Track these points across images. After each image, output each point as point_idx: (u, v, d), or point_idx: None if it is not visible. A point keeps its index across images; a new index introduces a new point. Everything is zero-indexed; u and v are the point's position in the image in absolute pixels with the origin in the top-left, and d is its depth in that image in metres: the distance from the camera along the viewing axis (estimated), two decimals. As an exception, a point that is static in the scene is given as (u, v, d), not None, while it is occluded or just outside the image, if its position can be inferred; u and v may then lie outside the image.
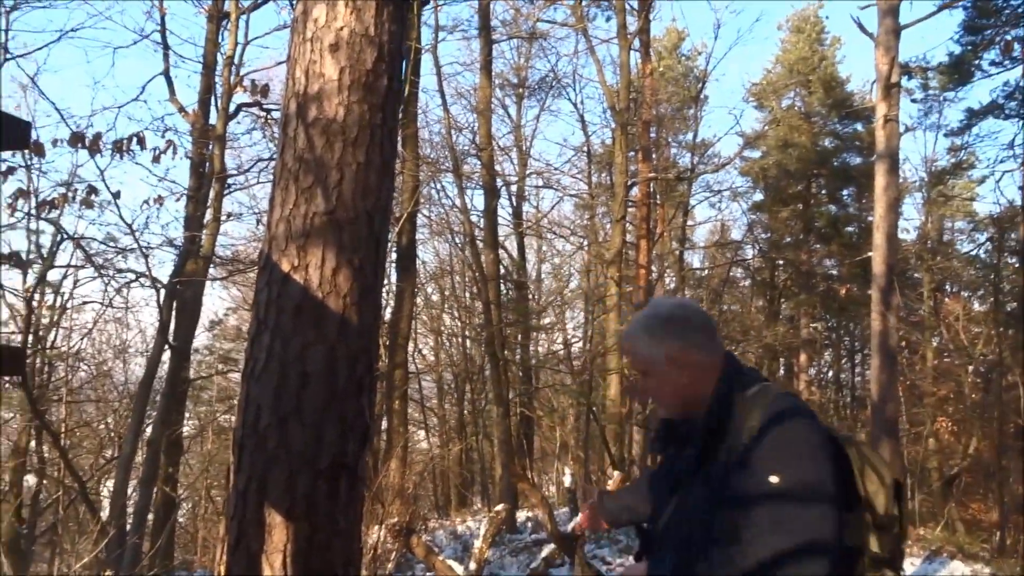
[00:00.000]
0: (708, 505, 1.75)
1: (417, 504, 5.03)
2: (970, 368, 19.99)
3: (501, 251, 20.56)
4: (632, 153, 18.06)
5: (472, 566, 4.92)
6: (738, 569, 1.64)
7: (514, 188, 19.43)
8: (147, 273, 10.89)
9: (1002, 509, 15.64)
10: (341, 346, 2.82)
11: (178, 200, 11.69)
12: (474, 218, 13.12)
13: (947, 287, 26.41)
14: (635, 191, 18.67)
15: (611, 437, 14.68)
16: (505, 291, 18.89)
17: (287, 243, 2.86)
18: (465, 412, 21.29)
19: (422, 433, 26.96)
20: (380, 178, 2.94)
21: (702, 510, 1.77)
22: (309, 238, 2.84)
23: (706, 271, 28.84)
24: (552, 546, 6.48)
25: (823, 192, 28.26)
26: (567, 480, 6.45)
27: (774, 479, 1.64)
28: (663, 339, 1.91)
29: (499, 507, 5.19)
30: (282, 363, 2.76)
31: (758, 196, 28.28)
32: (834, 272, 27.75)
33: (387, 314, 13.15)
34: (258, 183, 13.18)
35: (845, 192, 28.22)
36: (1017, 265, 20.50)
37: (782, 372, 29.35)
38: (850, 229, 27.44)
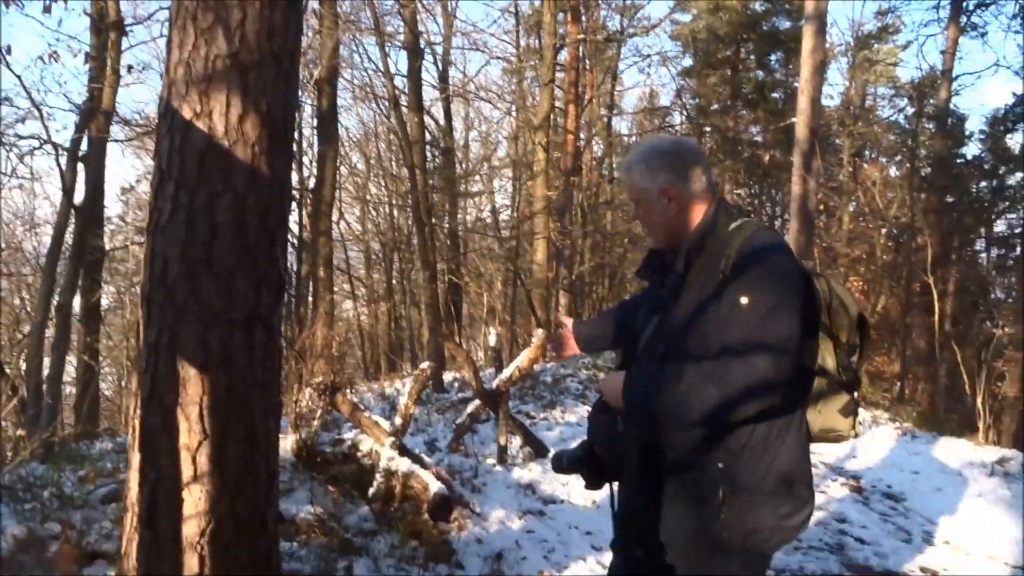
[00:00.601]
0: (689, 318, 1.95)
1: (342, 364, 5.08)
2: (883, 231, 20.80)
3: (427, 117, 20.11)
4: (561, 15, 17.51)
5: (398, 421, 5.01)
6: (713, 374, 1.85)
7: (439, 50, 18.75)
8: (48, 138, 10.28)
9: (903, 362, 16.66)
10: (251, 196, 2.73)
11: (75, 56, 10.91)
12: (398, 81, 12.74)
13: (866, 152, 27.04)
14: (564, 54, 18.24)
15: (538, 301, 14.92)
16: (431, 157, 18.55)
17: (188, 88, 2.69)
18: (393, 280, 21.26)
19: (351, 303, 26.96)
20: (286, 17, 2.77)
21: (683, 322, 1.97)
22: (211, 82, 2.68)
23: (634, 138, 28.79)
24: (477, 402, 6.63)
25: (751, 57, 28.10)
26: (491, 339, 6.60)
27: (744, 299, 1.85)
28: (657, 172, 2.09)
29: (424, 365, 5.23)
30: (189, 214, 2.66)
31: (687, 61, 28.01)
32: (759, 139, 28.04)
33: (310, 182, 12.83)
34: (162, 36, 12.36)
35: (773, 57, 28.08)
36: (934, 130, 21.01)
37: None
38: (776, 95, 27.52)
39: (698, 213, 2.09)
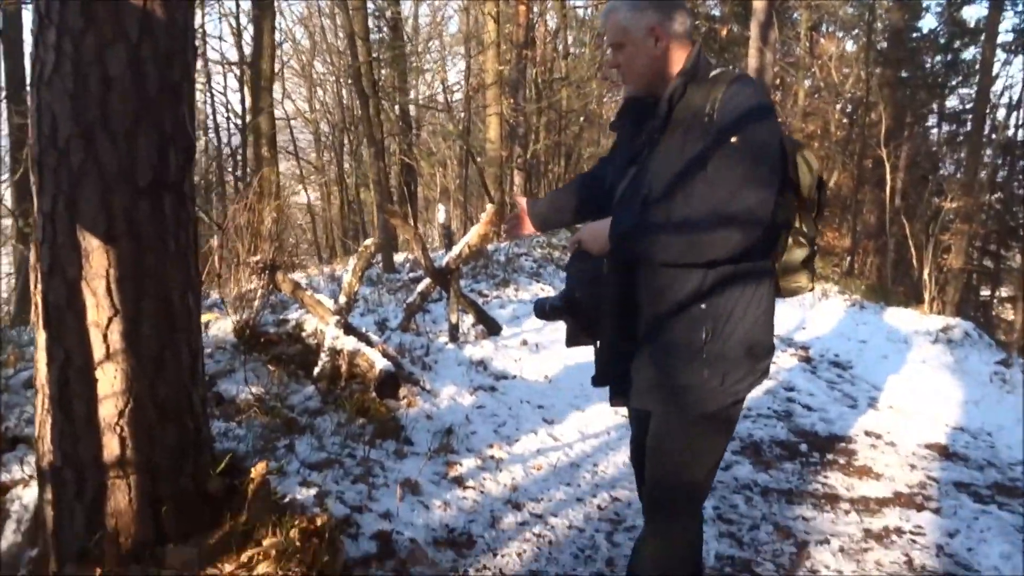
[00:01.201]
0: (673, 160, 1.98)
1: (282, 243, 4.83)
2: (838, 107, 20.63)
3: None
4: None
5: (342, 300, 4.83)
6: (695, 206, 1.90)
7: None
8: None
9: (854, 236, 16.85)
10: (147, 45, 2.42)
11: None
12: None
13: (823, 27, 26.59)
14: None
15: (491, 180, 14.62)
16: (377, 30, 17.70)
17: (66, -84, 2.33)
18: (344, 163, 20.66)
19: (302, 187, 26.24)
20: None
21: (668, 165, 1.99)
22: (92, -91, 2.31)
23: (588, 10, 27.81)
24: (427, 281, 6.47)
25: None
26: (440, 216, 6.37)
27: (734, 139, 1.89)
28: (644, 10, 2.07)
29: (368, 242, 5.02)
30: (76, 65, 2.35)
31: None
32: (716, 12, 27.33)
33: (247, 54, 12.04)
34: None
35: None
36: (892, 3, 20.60)
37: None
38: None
39: (680, 56, 2.10)
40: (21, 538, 2.64)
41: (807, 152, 2.15)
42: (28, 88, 2.49)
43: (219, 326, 4.96)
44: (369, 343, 4.95)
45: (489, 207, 6.19)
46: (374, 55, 11.70)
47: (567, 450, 4.39)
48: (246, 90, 17.23)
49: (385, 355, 4.70)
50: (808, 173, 2.13)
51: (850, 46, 25.04)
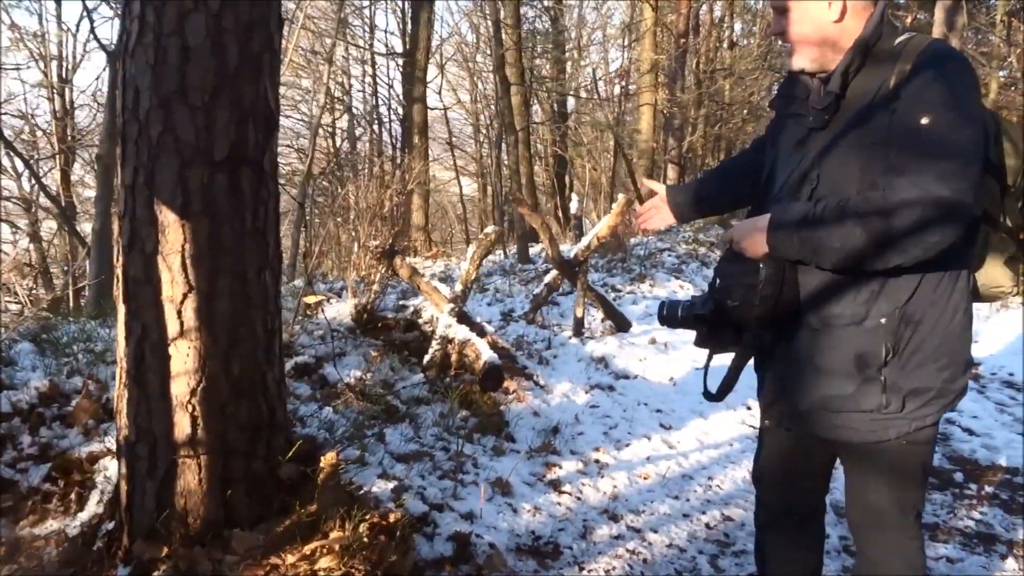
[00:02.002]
0: (849, 144, 1.71)
1: (404, 227, 4.78)
2: (1034, 102, 18.63)
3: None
4: None
5: (458, 288, 4.72)
6: (877, 201, 1.60)
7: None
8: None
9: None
10: (228, 16, 2.35)
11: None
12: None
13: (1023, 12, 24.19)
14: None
15: (642, 174, 14.24)
16: (533, 19, 17.63)
17: None
18: (495, 151, 20.75)
19: (465, 178, 26.67)
20: None
21: (841, 150, 1.72)
22: None
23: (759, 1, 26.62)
24: (554, 273, 6.28)
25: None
26: (573, 207, 6.18)
27: (925, 120, 1.59)
28: None
29: (488, 230, 4.88)
30: (157, 35, 2.31)
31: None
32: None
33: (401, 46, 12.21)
34: None
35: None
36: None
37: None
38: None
39: (859, 21, 1.77)
40: (102, 509, 2.67)
41: (1013, 129, 1.82)
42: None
43: (338, 309, 4.98)
44: (482, 333, 4.82)
45: (621, 197, 5.92)
46: (526, 44, 11.63)
47: (681, 459, 4.07)
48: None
49: (495, 347, 4.55)
50: (1014, 155, 1.81)
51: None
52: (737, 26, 27.20)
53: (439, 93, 20.42)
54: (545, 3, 18.59)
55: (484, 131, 26.13)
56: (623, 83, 16.57)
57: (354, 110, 25.18)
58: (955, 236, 1.58)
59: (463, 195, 23.94)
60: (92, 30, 10.08)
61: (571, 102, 21.09)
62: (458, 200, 26.06)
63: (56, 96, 13.46)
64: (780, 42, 1.93)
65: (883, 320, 1.72)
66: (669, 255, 9.64)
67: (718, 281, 1.94)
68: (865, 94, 1.72)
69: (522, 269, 8.50)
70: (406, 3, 18.75)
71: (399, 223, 5.09)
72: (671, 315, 2.04)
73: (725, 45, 22.88)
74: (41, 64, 13.36)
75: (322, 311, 4.77)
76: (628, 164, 13.00)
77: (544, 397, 4.66)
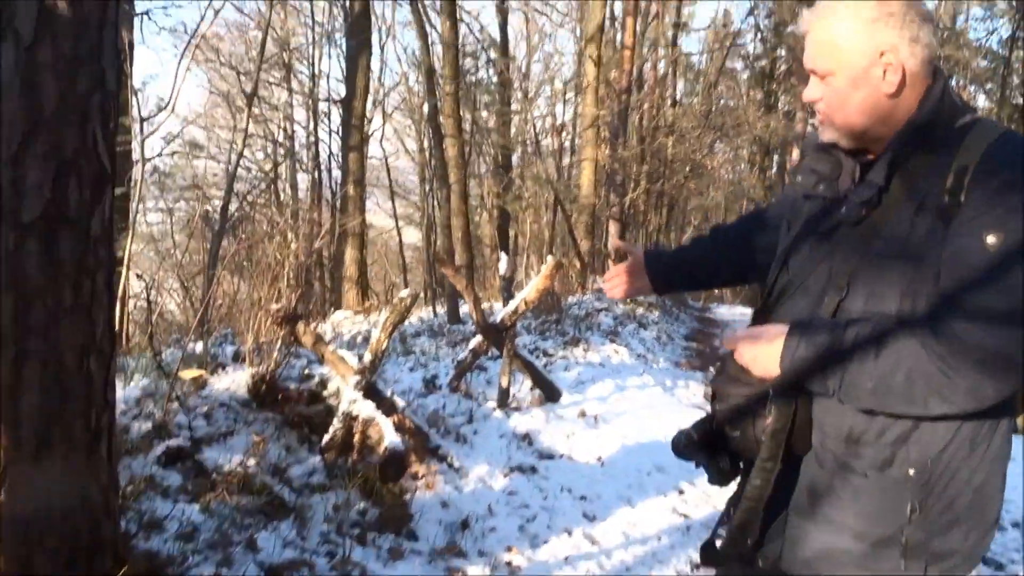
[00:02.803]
0: (891, 254, 1.38)
1: (309, 288, 4.34)
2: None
3: (483, 30, 19.04)
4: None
5: (367, 357, 4.27)
6: (935, 336, 1.29)
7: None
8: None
9: None
10: (44, 48, 1.93)
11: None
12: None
13: (954, 79, 25.08)
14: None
15: (582, 229, 14.02)
16: (478, 71, 17.49)
17: None
18: (427, 203, 20.40)
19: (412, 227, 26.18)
20: None
21: (880, 259, 1.40)
22: None
23: (701, 56, 27.17)
24: (479, 337, 5.88)
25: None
26: (502, 267, 5.87)
27: (991, 239, 1.28)
28: (875, 23, 1.39)
29: (403, 293, 4.47)
30: (-50, 68, 1.87)
31: (764, -24, 26.10)
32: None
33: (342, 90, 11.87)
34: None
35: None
36: (1030, 56, 19.09)
37: (774, 169, 28.60)
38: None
39: (915, 95, 1.43)
40: None
41: None
42: None
43: (233, 379, 4.48)
44: (392, 409, 4.36)
45: (550, 259, 5.57)
46: (468, 96, 11.38)
47: (603, 559, 3.64)
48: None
49: (402, 427, 4.10)
50: None
51: (982, 101, 23.41)
52: (680, 84, 27.68)
53: (380, 142, 20.06)
54: (491, 56, 18.49)
55: (428, 182, 25.86)
56: (561, 137, 16.40)
57: (296, 156, 24.75)
58: (1014, 389, 1.31)
59: (405, 246, 23.45)
60: None
61: (517, 155, 20.95)
62: (408, 250, 25.60)
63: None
64: (811, 112, 1.59)
65: (911, 471, 1.41)
66: (606, 316, 9.32)
67: (716, 403, 1.63)
68: (915, 190, 1.40)
69: (451, 330, 8.08)
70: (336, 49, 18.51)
71: (311, 282, 4.62)
72: (680, 442, 1.72)
73: (668, 103, 23.11)
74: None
75: (206, 383, 4.26)
76: (567, 220, 12.75)
77: (457, 482, 4.21)
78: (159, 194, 19.17)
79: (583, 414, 5.73)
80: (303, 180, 24.72)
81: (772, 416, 1.49)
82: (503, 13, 21.43)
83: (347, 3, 11.66)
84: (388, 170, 20.44)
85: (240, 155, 12.37)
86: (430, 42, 8.85)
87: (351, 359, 4.44)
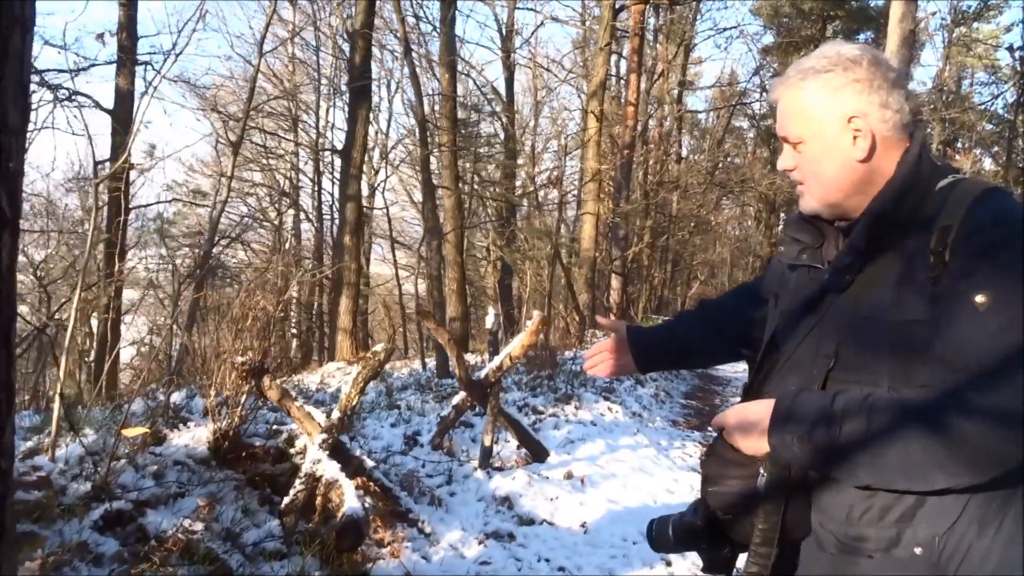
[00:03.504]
0: (877, 320, 1.34)
1: (271, 340, 4.16)
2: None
3: (486, 84, 19.17)
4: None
5: (335, 415, 4.05)
6: (929, 405, 1.23)
7: (502, 12, 17.64)
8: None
9: None
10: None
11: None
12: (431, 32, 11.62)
13: (959, 143, 25.14)
14: (627, 17, 16.93)
15: (583, 283, 13.84)
16: (478, 121, 17.52)
17: None
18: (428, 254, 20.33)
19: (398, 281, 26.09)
20: None
21: (866, 327, 1.35)
22: None
23: (707, 114, 27.31)
24: (463, 394, 5.64)
25: (839, 35, 26.40)
26: (489, 321, 5.68)
27: (980, 298, 1.24)
28: (841, 90, 1.41)
29: (377, 348, 4.26)
30: None
31: (768, 38, 26.47)
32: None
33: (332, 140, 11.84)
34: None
35: (862, 36, 26.48)
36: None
37: (780, 226, 28.60)
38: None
39: (891, 159, 1.42)
40: None
41: None
42: None
43: (194, 434, 4.25)
44: (361, 470, 4.12)
45: (536, 315, 5.35)
46: (469, 147, 11.33)
47: (578, 641, 3.36)
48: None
49: (366, 490, 3.85)
50: None
51: (988, 164, 23.38)
52: (686, 140, 27.83)
53: (383, 193, 20.07)
54: (495, 108, 18.56)
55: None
56: (559, 190, 16.34)
57: (301, 205, 24.82)
58: (1020, 458, 1.20)
59: (411, 297, 23.28)
60: None
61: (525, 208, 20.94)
62: (411, 300, 25.44)
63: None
64: (791, 179, 1.53)
65: (918, 551, 1.33)
66: (602, 372, 9.04)
67: (707, 486, 1.51)
68: (898, 254, 1.37)
69: (439, 384, 7.82)
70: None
71: (270, 337, 4.42)
72: (662, 533, 1.61)
73: (673, 159, 23.12)
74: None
75: (164, 439, 4.03)
76: (566, 273, 12.57)
77: (427, 550, 3.94)
78: (159, 241, 19.09)
79: (569, 475, 5.45)
80: (307, 230, 24.77)
81: (764, 495, 1.40)
82: (509, 68, 21.65)
83: (349, 56, 11.65)
84: (389, 220, 20.36)
85: (224, 203, 12.28)
86: (430, 92, 8.76)
87: (319, 416, 4.21)
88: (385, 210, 20.25)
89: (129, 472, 3.55)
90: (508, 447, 5.94)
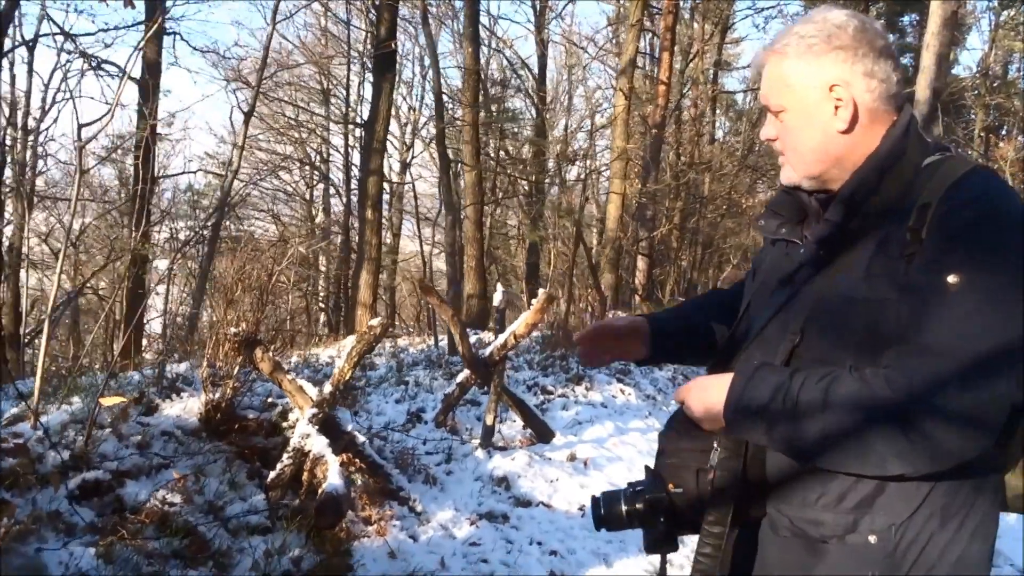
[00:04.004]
0: (848, 297, 1.29)
1: (263, 311, 4.07)
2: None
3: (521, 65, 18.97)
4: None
5: (327, 388, 3.98)
6: (889, 388, 1.18)
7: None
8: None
9: None
10: None
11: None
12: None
13: (1003, 130, 24.44)
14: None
15: (607, 264, 13.67)
16: (505, 96, 17.33)
17: None
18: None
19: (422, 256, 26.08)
20: None
21: (837, 302, 1.31)
22: None
23: (743, 95, 26.80)
24: (467, 372, 5.56)
25: (881, 18, 25.77)
26: (497, 299, 5.56)
27: (952, 278, 1.19)
28: (822, 56, 1.36)
29: (373, 322, 4.18)
30: None
31: (807, 19, 25.87)
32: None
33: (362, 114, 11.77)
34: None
35: (906, 19, 25.86)
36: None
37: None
38: (905, 61, 25.07)
39: (875, 132, 1.36)
40: None
41: None
42: None
43: (186, 405, 4.21)
44: (352, 445, 4.05)
45: (541, 293, 5.24)
46: (495, 123, 11.16)
47: (561, 628, 3.26)
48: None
49: (353, 467, 3.77)
50: None
51: (1034, 150, 22.67)
52: (721, 122, 27.36)
53: (407, 165, 20.01)
54: (525, 84, 18.35)
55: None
56: (576, 165, 16.13)
57: (332, 179, 24.85)
58: (984, 446, 1.19)
59: (438, 273, 23.26)
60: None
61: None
62: (441, 276, 25.41)
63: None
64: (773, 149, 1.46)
65: (872, 539, 1.28)
66: (619, 353, 8.90)
67: (663, 458, 1.47)
68: (876, 229, 1.32)
69: (450, 361, 7.73)
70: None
71: (263, 308, 4.35)
72: (611, 511, 1.47)
73: (707, 140, 22.73)
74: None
75: (156, 409, 3.99)
76: (588, 253, 12.41)
77: (415, 529, 3.86)
78: (190, 212, 19.27)
79: (572, 457, 5.34)
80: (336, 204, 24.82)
81: (717, 468, 1.36)
82: (542, 44, 21.41)
83: (375, 28, 11.53)
84: (415, 196, 20.28)
85: (235, 172, 12.27)
86: (458, 65, 8.61)
87: (311, 390, 4.14)
88: (411, 185, 20.16)
89: (111, 441, 3.51)
90: (514, 427, 5.85)
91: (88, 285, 14.72)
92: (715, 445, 1.38)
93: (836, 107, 1.35)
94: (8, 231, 12.55)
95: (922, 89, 11.90)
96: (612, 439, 6.04)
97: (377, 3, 11.85)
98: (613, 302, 13.91)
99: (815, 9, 1.41)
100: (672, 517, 1.44)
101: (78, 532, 2.96)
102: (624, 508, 1.47)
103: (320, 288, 25.33)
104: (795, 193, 1.47)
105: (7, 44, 12.24)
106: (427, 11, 9.62)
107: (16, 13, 10.49)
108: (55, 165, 13.49)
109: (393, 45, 11.35)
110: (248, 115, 12.23)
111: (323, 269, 25.27)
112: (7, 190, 12.20)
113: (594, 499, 1.52)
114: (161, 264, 17.49)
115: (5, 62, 11.77)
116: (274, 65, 15.86)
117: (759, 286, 1.54)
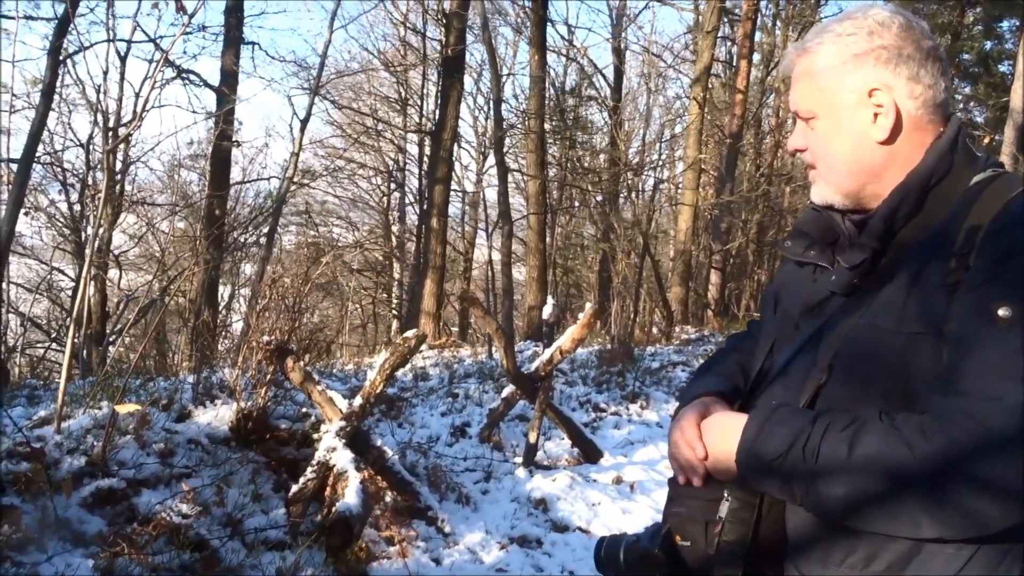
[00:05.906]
0: (883, 330, 1.12)
1: (300, 319, 3.99)
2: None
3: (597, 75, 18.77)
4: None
5: (357, 401, 3.87)
6: (926, 438, 1.01)
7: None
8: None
9: None
10: None
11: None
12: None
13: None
14: (742, 3, 16.16)
15: (677, 277, 13.32)
16: (576, 105, 17.11)
17: None
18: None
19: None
20: None
21: (871, 336, 1.13)
22: None
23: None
24: (512, 387, 5.39)
25: (978, 23, 24.62)
26: (546, 311, 5.38)
27: (1003, 311, 1.02)
28: (864, 61, 1.19)
29: (409, 334, 4.05)
30: None
31: (901, 24, 24.93)
32: (978, 118, 24.51)
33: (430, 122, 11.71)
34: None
35: (1005, 24, 24.58)
36: None
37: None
38: (1004, 68, 23.90)
39: (918, 144, 1.19)
40: None
41: None
42: None
43: (218, 413, 4.16)
44: (381, 460, 3.93)
45: (588, 307, 5.04)
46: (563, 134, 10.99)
47: (582, 668, 3.05)
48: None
49: (373, 483, 3.64)
50: None
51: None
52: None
53: (482, 174, 20.00)
54: (600, 93, 18.12)
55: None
56: (655, 176, 15.78)
57: (408, 187, 25.10)
58: None
59: (519, 283, 23.16)
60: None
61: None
62: (519, 287, 25.34)
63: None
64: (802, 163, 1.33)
65: None
66: (683, 371, 8.60)
67: (670, 505, 1.32)
68: (917, 255, 1.15)
69: (503, 374, 7.55)
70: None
71: (298, 317, 4.27)
72: (611, 555, 1.35)
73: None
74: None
75: (142, 415, 3.92)
76: (655, 266, 12.10)
77: (440, 552, 3.71)
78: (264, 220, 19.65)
79: (619, 480, 5.11)
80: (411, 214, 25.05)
81: (726, 521, 1.21)
82: (618, 53, 21.18)
83: (444, 36, 11.54)
84: (485, 206, 20.26)
85: (290, 180, 12.40)
86: (496, 68, 8.50)
87: (341, 402, 4.04)
88: (481, 195, 20.14)
89: (131, 448, 3.46)
90: (561, 445, 5.66)
91: (169, 288, 15.16)
92: (725, 495, 1.23)
93: (876, 114, 1.19)
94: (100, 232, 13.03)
95: (1017, 97, 11.25)
96: (663, 462, 5.77)
97: (447, 13, 11.87)
98: (682, 317, 13.55)
99: (857, 7, 1.24)
100: (679, 569, 1.29)
101: (88, 541, 2.91)
102: (622, 557, 1.34)
103: (394, 295, 25.60)
104: (826, 212, 1.30)
105: (102, 49, 12.69)
106: (486, 18, 9.53)
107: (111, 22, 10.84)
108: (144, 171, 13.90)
109: (450, 52, 11.33)
110: (304, 122, 12.42)
111: (396, 277, 25.53)
112: (98, 194, 12.69)
113: (599, 542, 1.39)
114: (248, 268, 17.93)
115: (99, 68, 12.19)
116: (335, 72, 16.06)
117: (782, 315, 1.36)
